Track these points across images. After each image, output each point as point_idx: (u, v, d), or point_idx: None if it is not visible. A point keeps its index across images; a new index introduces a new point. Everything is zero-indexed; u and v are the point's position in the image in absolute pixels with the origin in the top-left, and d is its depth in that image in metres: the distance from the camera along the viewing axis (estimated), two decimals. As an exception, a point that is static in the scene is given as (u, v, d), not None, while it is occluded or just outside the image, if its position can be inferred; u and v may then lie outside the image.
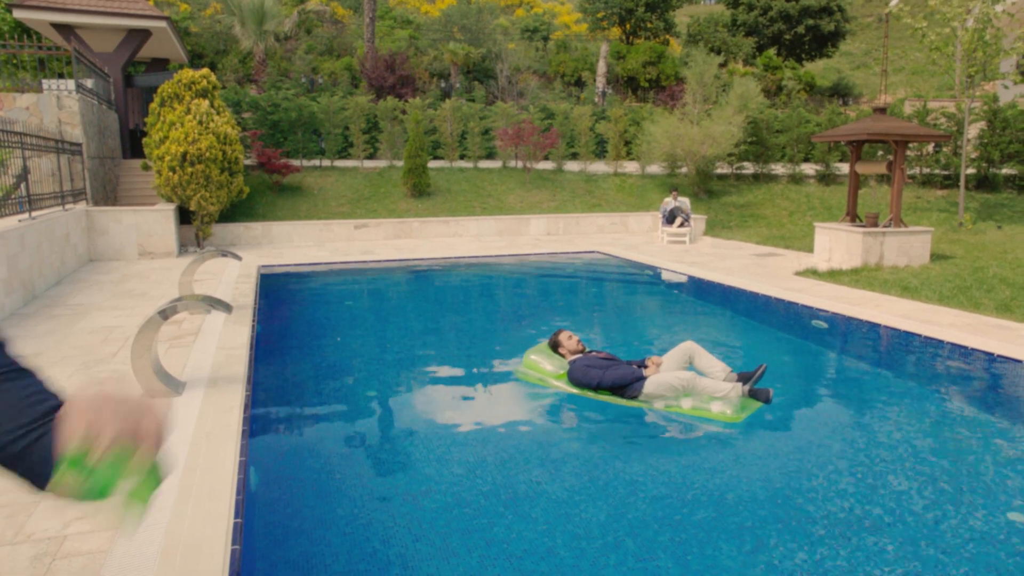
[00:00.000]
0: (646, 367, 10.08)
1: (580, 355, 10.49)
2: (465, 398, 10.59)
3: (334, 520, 6.66)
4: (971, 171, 32.09)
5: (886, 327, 13.40)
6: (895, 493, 7.28)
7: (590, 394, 9.99)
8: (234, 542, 5.53)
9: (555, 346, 10.82)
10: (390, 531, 6.42)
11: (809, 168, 35.54)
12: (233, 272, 18.80)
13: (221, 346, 11.29)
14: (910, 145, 30.70)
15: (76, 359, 10.73)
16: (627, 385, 9.69)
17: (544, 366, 10.72)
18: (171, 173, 22.04)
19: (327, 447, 8.48)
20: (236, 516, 5.89)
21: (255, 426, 8.57)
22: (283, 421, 9.50)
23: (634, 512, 6.84)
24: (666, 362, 10.16)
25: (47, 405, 1.59)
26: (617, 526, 6.53)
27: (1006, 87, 30.33)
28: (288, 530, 6.43)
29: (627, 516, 6.75)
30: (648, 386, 9.56)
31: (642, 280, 20.44)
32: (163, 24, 28.07)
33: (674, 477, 7.68)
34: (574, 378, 10.11)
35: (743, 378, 9.75)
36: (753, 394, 9.61)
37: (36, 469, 1.54)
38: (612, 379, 9.75)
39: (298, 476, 7.66)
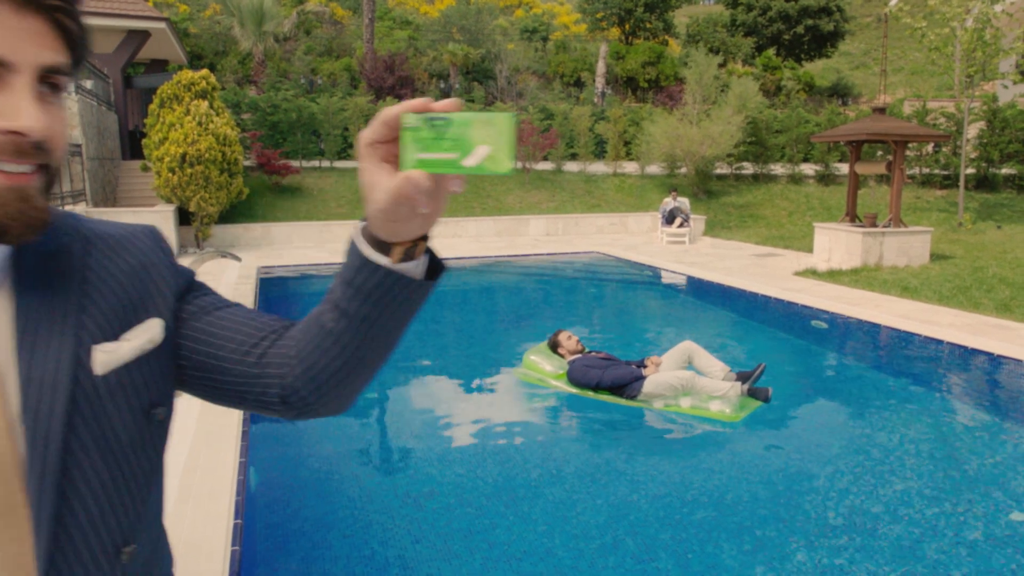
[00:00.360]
0: (645, 367, 10.10)
1: (579, 355, 10.51)
2: (465, 399, 10.61)
3: (334, 522, 6.67)
4: (970, 171, 32.03)
5: (886, 327, 13.41)
6: (895, 493, 7.29)
7: (590, 394, 10.01)
8: (234, 543, 5.52)
9: (554, 346, 10.84)
10: (390, 533, 6.42)
11: (808, 168, 35.47)
12: (233, 273, 18.80)
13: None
14: (909, 145, 30.62)
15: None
16: (626, 385, 9.71)
17: (544, 366, 10.75)
18: (170, 174, 21.99)
19: (327, 448, 8.48)
20: (236, 517, 5.89)
21: (255, 427, 8.55)
22: (283, 422, 9.50)
23: (634, 512, 6.85)
24: (665, 362, 10.18)
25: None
26: (617, 526, 6.54)
27: (1005, 87, 30.32)
28: (288, 531, 6.44)
29: (627, 516, 6.76)
30: (647, 386, 9.57)
31: (642, 281, 20.45)
32: (162, 25, 28.05)
33: (673, 477, 7.69)
34: (574, 378, 10.13)
35: (742, 377, 9.77)
36: (752, 393, 9.63)
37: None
38: (611, 379, 9.77)
39: (298, 477, 7.67)
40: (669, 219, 26.57)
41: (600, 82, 49.80)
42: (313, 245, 25.75)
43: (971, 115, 30.33)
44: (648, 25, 61.38)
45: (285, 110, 31.07)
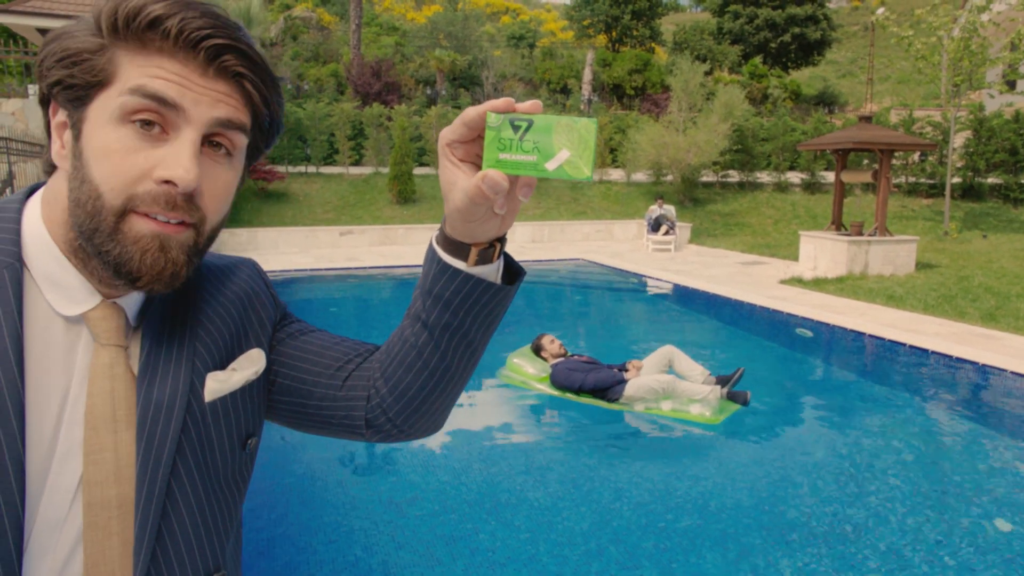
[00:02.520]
0: (627, 371, 10.17)
1: (562, 359, 10.55)
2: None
3: (319, 527, 6.66)
4: (957, 180, 32.12)
5: (871, 336, 13.43)
6: (879, 501, 7.29)
7: (572, 397, 10.08)
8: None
9: (537, 350, 10.92)
10: (373, 539, 6.41)
11: (794, 176, 35.55)
12: (217, 278, 18.77)
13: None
14: (896, 154, 30.72)
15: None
16: (608, 388, 9.80)
17: (527, 369, 10.83)
18: (156, 179, 21.95)
19: (311, 454, 8.46)
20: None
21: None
22: (267, 427, 9.47)
23: (618, 519, 6.84)
24: (646, 365, 10.28)
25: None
26: (600, 533, 6.53)
27: (992, 96, 30.46)
28: (273, 536, 6.42)
29: (611, 523, 6.75)
30: (629, 389, 9.66)
31: (627, 288, 20.46)
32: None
33: (657, 484, 7.68)
34: (556, 381, 10.19)
35: (721, 381, 9.87)
36: (731, 397, 9.74)
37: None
38: (594, 382, 9.83)
39: (282, 483, 7.65)
40: (655, 227, 26.62)
41: (587, 89, 49.86)
42: (299, 251, 25.73)
43: (957, 124, 30.45)
44: (635, 32, 61.56)
45: (271, 115, 30.96)
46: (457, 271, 1.41)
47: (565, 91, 52.18)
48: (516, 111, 1.25)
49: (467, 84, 49.50)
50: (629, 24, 60.28)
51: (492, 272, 1.45)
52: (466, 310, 1.45)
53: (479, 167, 1.30)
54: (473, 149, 1.31)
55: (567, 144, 1.23)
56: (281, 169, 30.24)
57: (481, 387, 11.19)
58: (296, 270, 21.38)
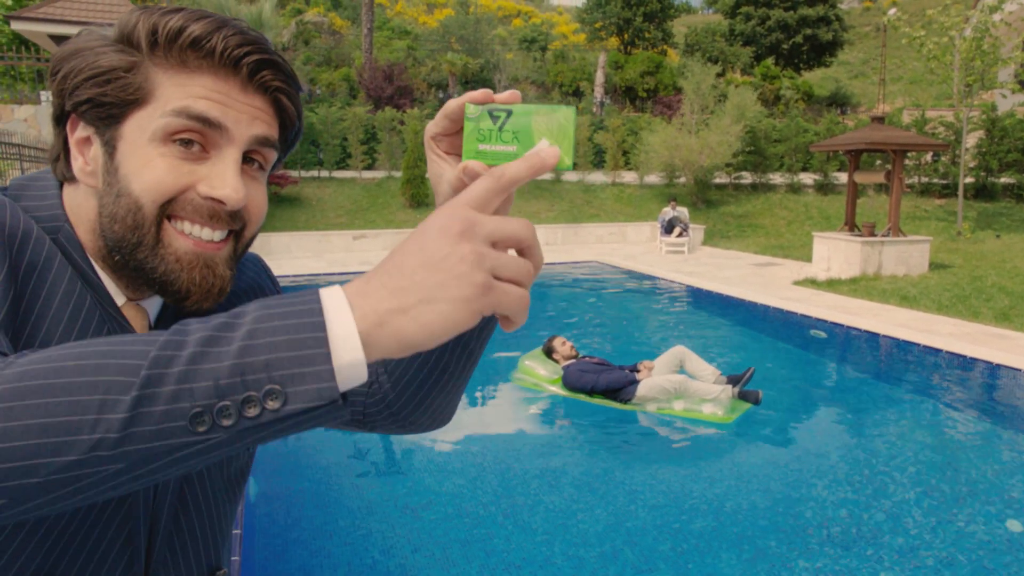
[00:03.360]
0: (638, 371, 10.18)
1: (573, 360, 10.57)
2: (463, 407, 10.59)
3: (334, 531, 6.66)
4: (969, 180, 31.96)
5: (885, 336, 13.40)
6: (894, 501, 7.28)
7: (584, 398, 10.09)
8: (234, 553, 5.50)
9: (549, 352, 10.95)
10: (390, 542, 6.42)
11: (807, 178, 35.44)
12: (231, 283, 18.78)
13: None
14: (908, 154, 30.61)
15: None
16: (621, 388, 9.83)
17: (539, 371, 10.86)
18: (169, 184, 21.97)
19: (326, 458, 8.47)
20: (235, 527, 5.87)
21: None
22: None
23: (633, 521, 6.84)
24: (657, 366, 10.31)
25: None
26: (615, 535, 6.53)
27: (1004, 96, 30.40)
28: (288, 541, 6.43)
29: (626, 525, 6.75)
30: (641, 389, 9.69)
31: (641, 290, 20.44)
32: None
33: (672, 486, 7.68)
34: (569, 382, 10.21)
35: (732, 381, 9.88)
36: (743, 396, 9.74)
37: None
38: (606, 383, 9.86)
39: (297, 487, 7.67)
40: (668, 229, 26.57)
41: (599, 92, 49.87)
42: (312, 255, 25.74)
43: (970, 124, 30.32)
44: (647, 35, 61.54)
45: (284, 120, 30.96)
46: None
47: (577, 94, 52.20)
48: (495, 102, 1.25)
49: (479, 87, 49.49)
50: (641, 26, 60.27)
51: None
52: None
53: None
54: (457, 142, 1.32)
55: (546, 133, 1.23)
56: (294, 173, 30.28)
57: (494, 390, 11.20)
58: (309, 275, 21.37)
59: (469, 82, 49.50)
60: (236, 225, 1.34)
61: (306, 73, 47.00)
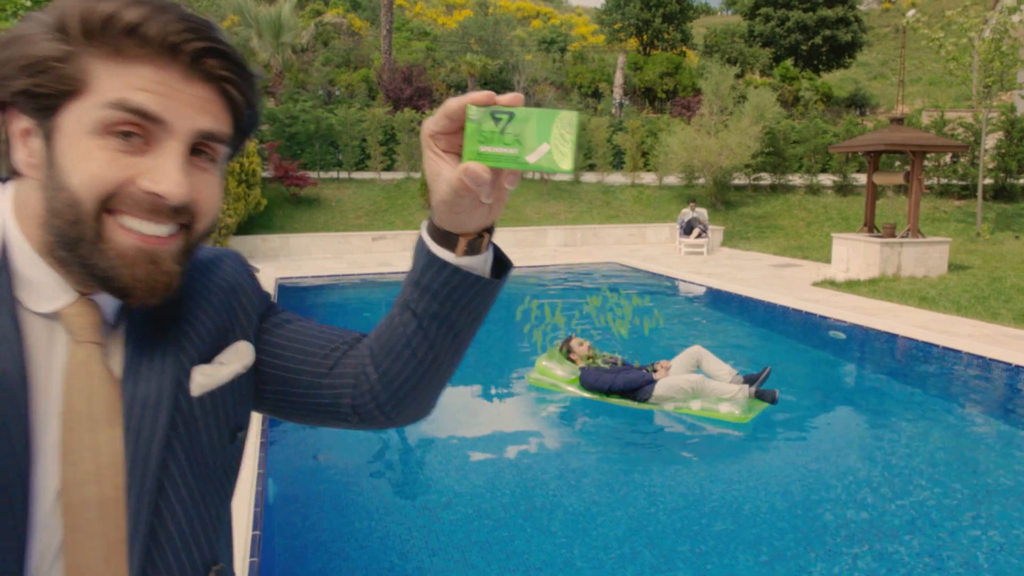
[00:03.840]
0: (655, 371, 10.20)
1: (591, 360, 10.60)
2: (481, 409, 10.62)
3: (352, 533, 6.68)
4: (988, 181, 31.91)
5: (904, 337, 13.38)
6: (913, 503, 7.28)
7: (602, 398, 10.13)
8: (252, 554, 5.53)
9: (566, 352, 10.94)
10: (408, 544, 6.43)
11: (826, 179, 35.36)
12: (251, 284, 18.78)
13: (239, 358, 11.27)
14: (927, 155, 30.53)
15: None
16: (638, 388, 9.85)
17: (556, 371, 10.89)
18: (189, 185, 21.97)
19: (345, 460, 8.49)
20: (254, 528, 5.89)
21: (273, 438, 8.58)
22: (301, 433, 9.52)
23: (652, 523, 6.85)
24: (674, 366, 10.33)
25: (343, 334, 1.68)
26: (635, 537, 6.54)
27: (1023, 97, 30.23)
28: (306, 543, 6.45)
29: (645, 527, 6.76)
30: (659, 389, 9.73)
31: (660, 291, 20.43)
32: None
33: (692, 488, 7.68)
34: (586, 382, 10.25)
35: (749, 380, 9.89)
36: (760, 395, 9.77)
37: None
38: (623, 383, 9.89)
39: (316, 489, 7.68)
40: (687, 230, 26.53)
41: (618, 93, 49.82)
42: (331, 256, 25.79)
43: (989, 125, 30.24)
44: (666, 36, 61.54)
45: (303, 121, 31.09)
46: (445, 263, 1.43)
47: (596, 95, 52.20)
48: (497, 104, 1.26)
49: (498, 88, 49.45)
50: (660, 28, 60.29)
51: (480, 263, 1.47)
52: (453, 301, 1.46)
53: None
54: (456, 140, 1.32)
55: (548, 136, 1.23)
56: (313, 175, 30.28)
57: (514, 392, 11.22)
58: (329, 275, 21.41)
59: (488, 83, 49.51)
60: (183, 220, 1.30)
61: (325, 74, 47.09)
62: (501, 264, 1.55)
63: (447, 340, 1.53)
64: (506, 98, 1.26)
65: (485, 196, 1.32)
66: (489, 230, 1.45)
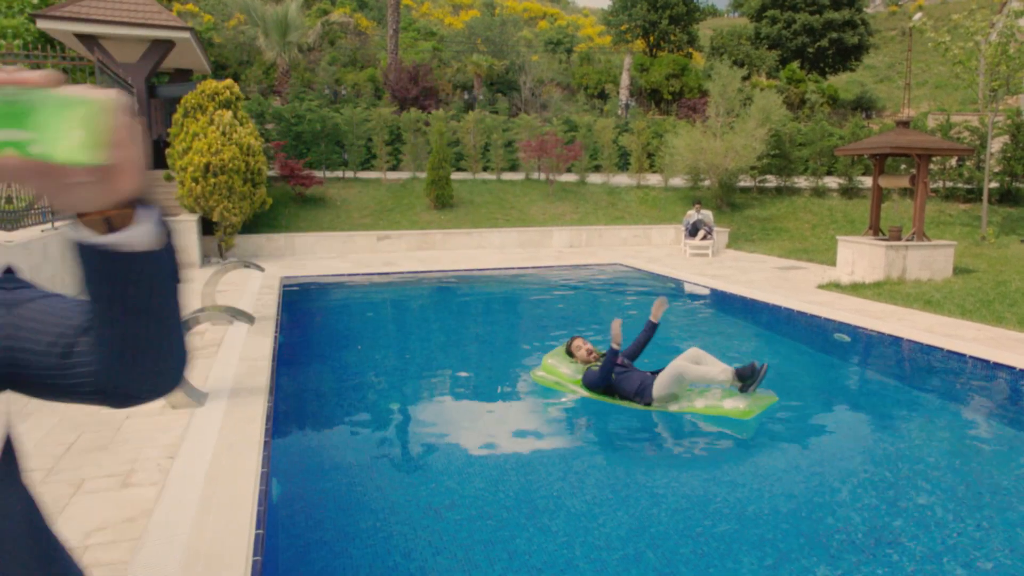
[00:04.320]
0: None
1: (594, 360, 10.62)
2: (486, 408, 10.62)
3: (356, 533, 6.67)
4: (994, 185, 31.90)
5: (908, 341, 13.34)
6: (917, 507, 7.27)
7: (606, 398, 10.14)
8: (256, 553, 5.53)
9: (570, 352, 11.02)
10: (411, 544, 6.42)
11: (832, 181, 35.41)
12: (256, 283, 18.82)
13: (244, 357, 11.30)
14: (933, 159, 30.57)
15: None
16: (639, 390, 9.84)
17: (561, 370, 10.96)
18: (194, 184, 22.04)
19: (349, 459, 8.50)
20: (258, 527, 5.89)
21: (277, 437, 8.58)
22: (305, 432, 9.52)
23: (655, 524, 6.84)
24: (673, 367, 10.31)
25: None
26: (638, 538, 6.53)
27: (1029, 100, 30.25)
28: (310, 542, 6.45)
29: (648, 529, 6.75)
30: (656, 388, 9.78)
31: (665, 293, 20.41)
32: (186, 35, 27.99)
33: (695, 489, 7.68)
34: (590, 382, 10.27)
35: (741, 374, 9.85)
36: (739, 374, 9.68)
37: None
38: (626, 384, 9.87)
39: (320, 488, 7.68)
40: (692, 231, 26.53)
41: (624, 94, 49.90)
42: (336, 255, 25.79)
43: (995, 129, 30.24)
44: (672, 37, 61.55)
45: (309, 120, 31.18)
46: (83, 245, 1.36)
47: (603, 96, 52.24)
48: (19, 83, 1.18)
49: (505, 89, 49.57)
50: (666, 29, 60.28)
51: (125, 240, 1.37)
52: (109, 278, 1.41)
53: None
54: None
55: (73, 123, 1.18)
56: (319, 174, 30.35)
57: (518, 393, 11.21)
58: (334, 275, 21.41)
59: (494, 83, 49.55)
60: None
61: (331, 73, 47.12)
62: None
63: (129, 314, 1.48)
64: (33, 76, 1.19)
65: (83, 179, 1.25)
66: (132, 206, 1.39)
